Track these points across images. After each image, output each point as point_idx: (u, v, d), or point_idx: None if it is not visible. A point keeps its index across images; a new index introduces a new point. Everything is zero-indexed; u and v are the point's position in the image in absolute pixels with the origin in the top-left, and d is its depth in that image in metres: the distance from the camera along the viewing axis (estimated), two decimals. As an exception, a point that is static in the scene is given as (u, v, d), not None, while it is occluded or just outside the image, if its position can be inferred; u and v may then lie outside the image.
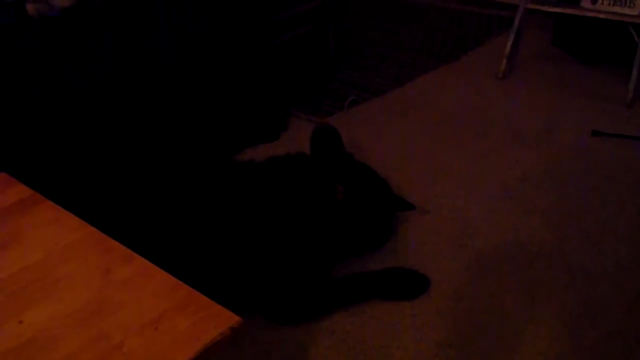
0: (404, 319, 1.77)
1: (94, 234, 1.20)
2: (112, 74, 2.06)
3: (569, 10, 2.99)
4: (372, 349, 1.67)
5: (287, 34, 2.89)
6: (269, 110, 2.70)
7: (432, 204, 2.24)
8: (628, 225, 2.10)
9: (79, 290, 1.05)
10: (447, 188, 2.34)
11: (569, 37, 3.43)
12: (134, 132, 2.18)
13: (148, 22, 2.13)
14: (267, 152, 2.54)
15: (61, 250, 1.15)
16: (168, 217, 1.80)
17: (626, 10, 2.80)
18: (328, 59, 3.26)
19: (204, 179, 1.95)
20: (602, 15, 2.86)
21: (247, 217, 1.81)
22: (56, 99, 1.93)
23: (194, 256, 1.73)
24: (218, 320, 0.97)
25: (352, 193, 1.94)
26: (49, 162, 1.89)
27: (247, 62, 2.52)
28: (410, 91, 3.17)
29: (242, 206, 1.83)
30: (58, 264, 1.12)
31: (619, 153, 2.51)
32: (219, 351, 0.95)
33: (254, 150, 2.62)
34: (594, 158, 2.49)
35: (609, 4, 2.84)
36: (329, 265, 1.91)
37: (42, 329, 0.97)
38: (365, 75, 3.35)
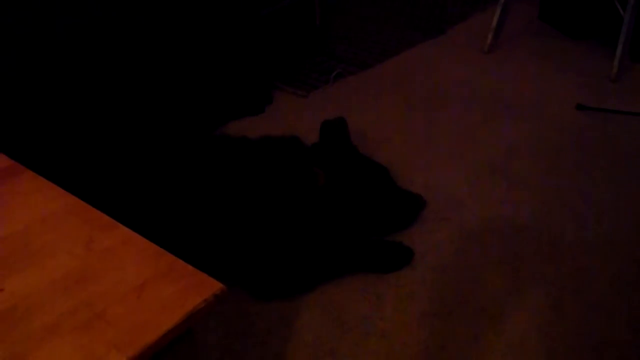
0: (389, 289, 1.78)
1: (76, 203, 1.18)
2: (96, 43, 2.03)
3: (555, -16, 2.98)
4: (357, 320, 1.68)
5: (273, 5, 2.86)
6: (254, 83, 2.68)
7: (418, 177, 2.24)
8: (611, 199, 2.12)
9: (61, 258, 1.04)
10: (432, 161, 2.34)
11: (556, 11, 3.42)
12: (118, 103, 2.15)
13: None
14: (253, 125, 2.52)
15: (42, 220, 1.14)
16: (153, 190, 1.79)
17: (613, -15, 2.79)
18: (314, 32, 3.23)
19: (192, 152, 1.94)
20: (588, -11, 2.85)
21: (231, 193, 1.80)
22: (34, 74, 1.90)
23: (178, 231, 1.72)
24: (201, 287, 0.97)
25: (348, 181, 1.94)
26: (31, 134, 1.86)
27: (232, 33, 2.49)
28: (396, 65, 3.15)
29: (226, 183, 1.82)
30: (39, 233, 1.11)
31: (603, 127, 2.52)
32: (203, 318, 0.95)
33: (239, 122, 2.60)
34: (579, 132, 2.49)
35: (596, -22, 2.83)
36: (314, 243, 1.90)
37: (24, 297, 0.96)
38: (351, 49, 3.33)
